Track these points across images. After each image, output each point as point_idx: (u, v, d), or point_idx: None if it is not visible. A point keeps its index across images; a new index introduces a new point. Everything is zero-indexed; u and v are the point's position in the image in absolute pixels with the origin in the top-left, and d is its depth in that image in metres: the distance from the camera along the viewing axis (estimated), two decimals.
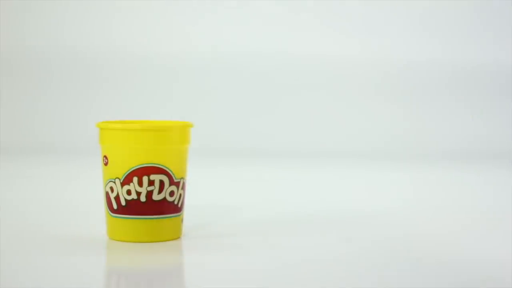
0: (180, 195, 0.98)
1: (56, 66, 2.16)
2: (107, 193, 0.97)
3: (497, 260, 0.92)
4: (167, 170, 0.96)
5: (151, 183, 0.96)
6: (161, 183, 0.96)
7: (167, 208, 0.97)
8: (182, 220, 1.00)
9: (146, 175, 0.95)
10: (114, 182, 0.96)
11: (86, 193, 1.35)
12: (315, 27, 2.22)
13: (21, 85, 2.13)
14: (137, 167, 0.95)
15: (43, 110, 2.10)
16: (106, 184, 0.97)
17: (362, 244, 0.99)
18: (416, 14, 2.24)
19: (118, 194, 0.96)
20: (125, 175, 0.96)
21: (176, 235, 0.99)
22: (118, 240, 0.98)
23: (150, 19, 2.19)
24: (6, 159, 1.80)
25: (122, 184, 0.96)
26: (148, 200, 0.96)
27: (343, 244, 1.00)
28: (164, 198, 0.97)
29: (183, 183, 0.99)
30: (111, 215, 0.97)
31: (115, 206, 0.97)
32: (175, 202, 0.98)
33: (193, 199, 1.30)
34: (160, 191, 0.96)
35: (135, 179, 0.95)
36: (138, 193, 0.96)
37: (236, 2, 2.21)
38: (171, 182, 0.97)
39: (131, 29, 2.19)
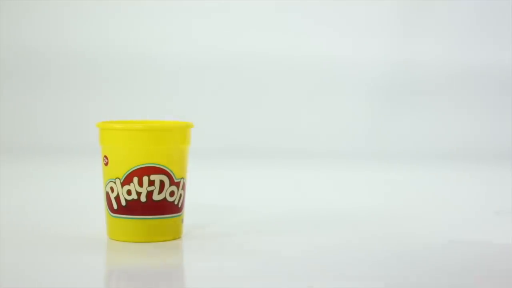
0: (181, 195, 0.98)
1: (56, 66, 2.15)
2: (107, 193, 0.97)
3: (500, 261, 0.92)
4: (167, 170, 0.96)
5: (151, 183, 0.96)
6: (161, 183, 0.96)
7: (168, 208, 0.97)
8: (182, 220, 1.00)
9: (146, 175, 0.95)
10: (114, 182, 0.96)
11: (86, 193, 1.35)
12: (316, 29, 2.22)
13: (21, 85, 2.13)
14: (137, 167, 0.95)
15: (43, 110, 2.10)
16: (106, 184, 0.97)
17: (364, 244, 0.99)
18: (415, 14, 2.24)
19: (118, 194, 0.96)
20: (126, 175, 0.95)
21: (176, 235, 0.99)
22: (118, 240, 0.97)
23: (151, 19, 2.19)
24: (6, 159, 1.80)
25: (122, 184, 0.96)
26: (149, 200, 0.96)
27: (344, 243, 1.00)
28: (164, 198, 0.96)
29: (183, 183, 0.99)
30: (111, 215, 0.97)
31: (115, 206, 0.97)
32: (175, 202, 0.98)
33: (193, 199, 1.30)
34: (160, 191, 0.96)
35: (135, 179, 0.95)
36: (138, 193, 0.96)
37: (236, 2, 2.21)
38: (172, 182, 0.97)
39: (132, 29, 2.19)
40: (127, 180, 0.96)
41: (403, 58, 2.21)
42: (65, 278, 0.81)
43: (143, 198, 0.96)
